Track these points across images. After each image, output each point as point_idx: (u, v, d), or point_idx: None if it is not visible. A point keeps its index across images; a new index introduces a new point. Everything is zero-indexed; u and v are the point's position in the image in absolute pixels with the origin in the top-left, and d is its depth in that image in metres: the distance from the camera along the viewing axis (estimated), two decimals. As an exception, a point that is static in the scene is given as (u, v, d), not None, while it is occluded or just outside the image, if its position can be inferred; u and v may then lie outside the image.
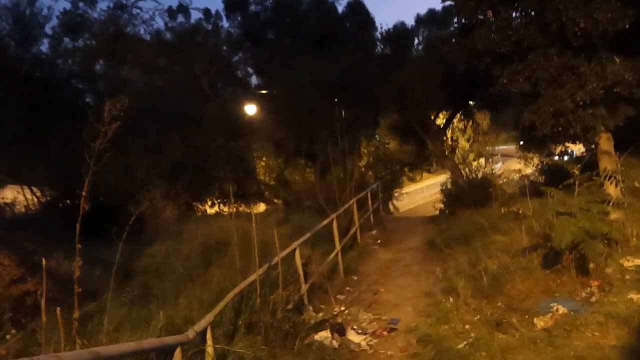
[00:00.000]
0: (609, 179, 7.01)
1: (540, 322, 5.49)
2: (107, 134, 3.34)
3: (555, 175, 14.86)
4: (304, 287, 6.01)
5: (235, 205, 16.89)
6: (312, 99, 16.80)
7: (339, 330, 5.68)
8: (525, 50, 7.11)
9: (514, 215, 10.22)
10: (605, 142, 7.56)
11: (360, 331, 5.86)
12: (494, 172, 14.72)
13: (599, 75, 6.67)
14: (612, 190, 7.25)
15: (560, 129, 7.11)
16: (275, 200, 17.27)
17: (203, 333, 3.38)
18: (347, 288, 7.93)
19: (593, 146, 17.29)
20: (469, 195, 13.62)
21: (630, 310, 5.11)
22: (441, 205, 15.11)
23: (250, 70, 22.56)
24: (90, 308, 4.35)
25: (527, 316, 5.81)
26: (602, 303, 5.54)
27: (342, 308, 6.51)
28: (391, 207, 19.28)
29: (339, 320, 6.06)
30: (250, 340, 3.96)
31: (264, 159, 20.30)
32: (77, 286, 3.97)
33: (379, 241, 11.41)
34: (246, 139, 17.92)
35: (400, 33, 18.01)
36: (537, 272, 6.82)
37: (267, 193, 17.30)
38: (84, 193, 4.05)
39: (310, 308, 6.01)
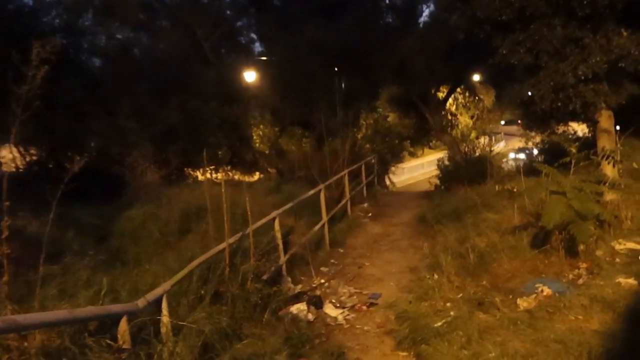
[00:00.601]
0: (606, 159, 6.73)
1: (523, 303, 5.31)
2: (35, 79, 3.02)
3: (554, 154, 14.58)
4: (283, 258, 5.82)
5: (229, 172, 16.71)
6: (312, 66, 16.44)
7: (316, 303, 5.52)
8: (527, 19, 6.73)
9: (508, 193, 10.00)
10: (606, 120, 7.24)
11: (338, 305, 5.70)
12: (493, 150, 14.37)
13: (604, 48, 6.32)
14: (609, 170, 6.99)
15: (559, 104, 6.80)
16: (270, 170, 17.02)
17: (158, 302, 3.19)
18: (332, 260, 7.76)
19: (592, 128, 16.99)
20: (465, 172, 13.39)
21: (616, 295, 4.92)
22: (437, 181, 14.88)
23: (254, 36, 22.00)
24: (52, 271, 4.15)
25: (511, 296, 5.63)
26: (589, 286, 5.35)
27: (322, 281, 6.34)
28: (387, 181, 19.05)
29: (318, 293, 5.90)
30: (214, 311, 3.77)
31: (261, 127, 20.00)
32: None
33: (369, 214, 11.21)
34: (243, 105, 17.60)
35: (406, 2, 17.41)
36: (525, 251, 6.62)
37: (262, 162, 17.02)
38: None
39: (289, 279, 5.84)
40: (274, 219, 5.65)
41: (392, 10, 17.01)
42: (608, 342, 3.97)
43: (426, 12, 17.09)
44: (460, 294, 5.81)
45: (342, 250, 8.44)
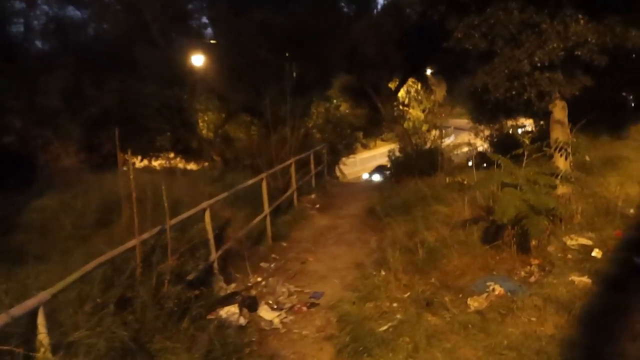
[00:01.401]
0: (559, 151, 6.48)
1: (474, 303, 4.94)
2: None
3: (504, 147, 14.57)
4: (214, 255, 5.18)
5: (172, 160, 15.76)
6: (262, 52, 15.79)
7: (250, 304, 4.93)
8: (483, 1, 6.35)
9: (458, 186, 9.73)
10: (559, 111, 7.02)
11: (275, 306, 5.14)
12: (443, 142, 14.18)
13: (561, 35, 6.03)
14: (561, 163, 6.76)
15: (514, 92, 6.48)
16: (215, 158, 16.19)
17: (32, 316, 2.52)
18: (273, 255, 7.18)
19: (542, 122, 17.22)
20: (416, 164, 13.12)
21: (570, 295, 4.62)
22: (387, 173, 14.57)
23: (206, 21, 20.97)
24: None
25: (461, 295, 5.27)
26: (542, 284, 5.05)
27: (260, 279, 5.75)
28: (338, 171, 18.63)
29: (253, 293, 5.31)
30: (116, 321, 3.12)
31: (208, 113, 19.06)
32: None
33: (317, 206, 10.70)
34: (189, 90, 16.67)
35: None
36: (476, 247, 6.29)
37: (207, 149, 16.16)
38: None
39: (221, 278, 5.21)
40: (203, 210, 5.00)
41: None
42: (565, 350, 3.63)
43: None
44: (408, 293, 5.39)
45: (285, 244, 7.88)
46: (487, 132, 18.64)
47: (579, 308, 4.29)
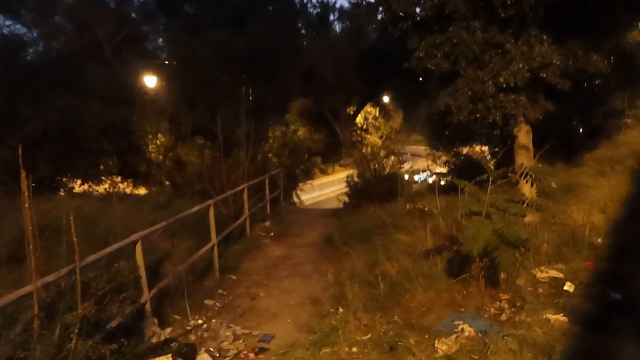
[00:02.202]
0: (524, 177, 6.16)
1: (442, 346, 4.41)
2: None
3: (465, 173, 14.45)
4: (147, 294, 4.44)
5: (118, 184, 14.75)
6: (217, 73, 15.28)
7: (187, 353, 4.22)
8: (447, 19, 6.06)
9: (419, 213, 9.37)
10: (524, 136, 6.76)
11: (218, 354, 4.44)
12: (402, 168, 13.90)
13: (526, 55, 5.78)
14: (527, 189, 6.45)
15: (478, 115, 6.16)
16: (164, 182, 15.30)
17: None
18: (220, 291, 6.47)
19: (496, 149, 17.31)
20: (375, 189, 12.76)
21: (547, 336, 4.17)
22: (346, 199, 14.10)
23: (162, 42, 20.30)
24: None
25: (427, 336, 4.73)
26: (515, 323, 4.59)
27: (201, 321, 5.02)
28: (295, 197, 18.05)
29: (192, 338, 4.59)
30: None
31: (159, 136, 18.18)
32: None
33: (271, 234, 10.04)
34: (138, 111, 15.83)
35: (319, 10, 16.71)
36: (441, 280, 5.82)
37: (157, 173, 15.25)
38: None
39: (155, 322, 4.47)
40: (134, 243, 4.28)
41: (303, 17, 16.18)
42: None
43: (338, 24, 16.31)
44: (369, 335, 4.81)
45: (234, 277, 7.18)
46: (444, 158, 18.69)
47: (559, 353, 3.83)
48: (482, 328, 4.63)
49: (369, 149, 24.09)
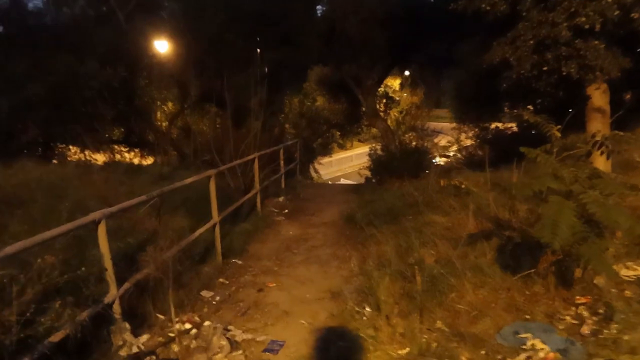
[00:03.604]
0: (598, 148, 4.88)
1: (509, 371, 3.28)
2: None
3: (502, 147, 13.11)
4: (114, 291, 3.34)
5: (123, 153, 13.76)
6: (226, 32, 14.05)
7: (166, 373, 3.14)
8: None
9: (454, 190, 8.13)
10: (600, 96, 5.44)
11: (209, 371, 3.35)
12: (431, 141, 12.60)
13: (613, -10, 4.45)
14: (601, 163, 5.17)
15: (545, 68, 4.86)
16: (171, 152, 14.27)
17: None
18: (221, 280, 5.40)
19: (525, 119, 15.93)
20: (401, 164, 11.51)
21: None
22: (368, 173, 12.89)
23: (177, 9, 19.17)
24: None
25: (484, 352, 3.60)
26: (603, 341, 3.42)
27: (188, 325, 3.93)
28: (312, 171, 16.92)
29: (175, 349, 3.51)
30: None
31: (168, 103, 17.13)
32: None
33: (285, 211, 8.95)
34: (145, 76, 14.77)
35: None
36: (494, 274, 4.63)
37: (163, 142, 14.21)
38: None
39: (127, 328, 3.40)
40: (94, 223, 3.15)
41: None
42: None
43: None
44: (407, 349, 3.70)
45: (240, 262, 6.10)
46: (471, 134, 17.34)
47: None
48: (560, 345, 3.47)
49: (391, 119, 22.79)
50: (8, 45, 12.00)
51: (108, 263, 3.27)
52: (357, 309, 4.60)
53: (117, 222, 4.70)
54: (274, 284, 5.38)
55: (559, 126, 5.02)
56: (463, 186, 8.00)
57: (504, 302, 4.18)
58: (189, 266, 5.20)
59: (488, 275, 4.57)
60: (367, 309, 4.52)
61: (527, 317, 3.98)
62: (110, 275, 3.30)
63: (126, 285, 3.54)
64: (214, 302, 4.82)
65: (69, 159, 10.28)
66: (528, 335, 3.64)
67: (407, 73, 24.00)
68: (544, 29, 4.73)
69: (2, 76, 10.24)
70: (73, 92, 9.85)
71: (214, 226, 5.76)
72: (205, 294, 4.96)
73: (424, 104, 28.08)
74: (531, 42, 4.90)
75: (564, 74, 4.92)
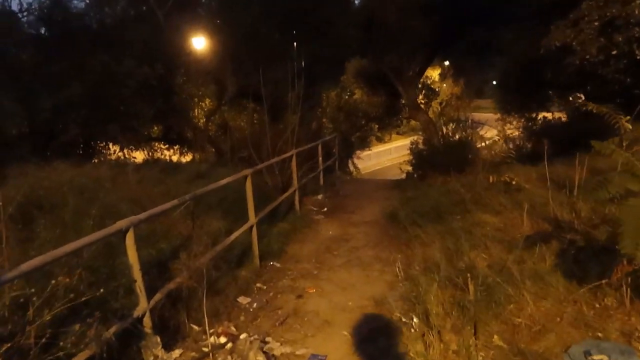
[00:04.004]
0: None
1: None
2: None
3: (553, 138, 12.35)
4: (145, 304, 3.13)
5: (161, 150, 13.81)
6: (265, 30, 13.91)
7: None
8: None
9: (504, 187, 7.61)
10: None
11: (244, 392, 3.09)
12: (477, 133, 11.96)
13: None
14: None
15: (614, 52, 4.33)
16: (209, 149, 14.24)
17: None
18: (258, 285, 5.15)
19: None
20: (444, 158, 10.99)
21: None
22: (409, 168, 12.41)
23: (214, 5, 19.27)
24: None
25: (550, 375, 3.20)
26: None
27: (223, 339, 3.69)
28: (351, 166, 16.55)
29: (209, 365, 3.27)
30: None
31: (206, 100, 17.13)
32: None
33: (324, 209, 8.65)
34: (183, 72, 14.81)
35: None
36: (557, 283, 4.18)
37: (201, 139, 14.19)
38: None
39: (158, 342, 3.19)
40: (122, 232, 2.93)
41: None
42: None
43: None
44: (463, 369, 3.33)
45: (278, 265, 5.85)
46: (516, 124, 16.60)
47: None
48: (643, 372, 3.03)
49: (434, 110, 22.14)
50: (50, 46, 12.20)
51: (137, 274, 3.05)
52: (403, 319, 4.26)
53: (150, 226, 4.53)
54: (314, 290, 5.09)
55: (628, 117, 4.50)
56: (514, 182, 7.47)
57: (570, 316, 3.73)
58: (225, 271, 4.99)
59: (550, 285, 4.13)
60: (415, 320, 4.17)
61: (599, 334, 3.53)
62: (140, 287, 3.08)
63: (157, 296, 3.32)
64: (251, 310, 4.57)
65: (108, 157, 10.33)
66: (602, 357, 3.20)
67: (447, 63, 23.29)
68: (612, 7, 4.21)
69: (43, 77, 10.39)
70: (110, 91, 9.86)
71: (250, 228, 5.52)
72: (242, 300, 4.73)
73: (465, 95, 27.27)
74: (597, 23, 4.38)
75: (639, 58, 4.37)
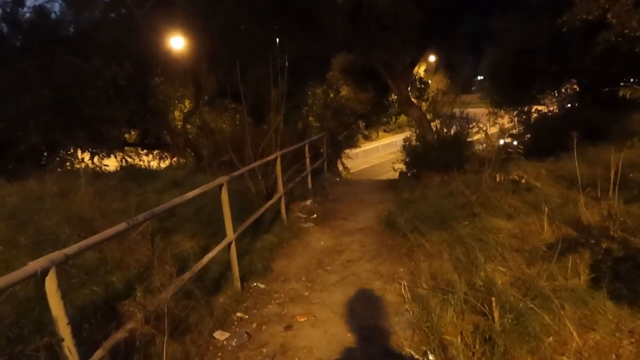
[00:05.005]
0: None
1: None
2: None
3: (551, 131, 11.72)
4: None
5: (134, 155, 12.88)
6: (244, 22, 13.14)
7: None
8: None
9: (512, 186, 6.90)
10: None
11: None
12: (476, 128, 11.25)
13: None
14: None
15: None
16: (191, 153, 13.36)
17: None
18: (239, 314, 4.33)
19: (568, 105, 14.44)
20: (440, 155, 10.28)
21: None
22: (402, 167, 11.67)
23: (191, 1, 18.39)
24: None
25: None
26: None
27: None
28: (340, 166, 15.77)
29: None
30: None
31: (186, 102, 16.25)
32: None
33: (314, 216, 7.85)
34: (161, 73, 13.94)
35: None
36: (603, 308, 3.44)
37: (179, 142, 13.30)
38: None
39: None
40: (37, 275, 2.10)
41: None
42: None
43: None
44: None
45: (263, 286, 5.03)
46: (507, 118, 16.14)
47: None
48: None
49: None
50: (13, 49, 11.28)
51: (65, 331, 2.22)
52: (415, 355, 3.49)
53: (97, 255, 3.68)
54: (305, 318, 4.28)
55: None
56: (523, 181, 6.75)
57: (630, 353, 2.98)
58: (199, 299, 4.16)
59: (596, 310, 3.38)
60: (431, 357, 3.40)
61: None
62: (69, 348, 2.25)
63: (98, 353, 2.49)
64: (229, 348, 3.76)
65: (76, 166, 9.41)
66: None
67: (432, 59, 22.80)
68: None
69: (3, 82, 9.46)
70: (76, 93, 8.95)
71: (229, 245, 4.70)
72: (219, 336, 3.91)
73: (451, 90, 26.76)
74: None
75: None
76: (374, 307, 4.45)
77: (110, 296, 3.13)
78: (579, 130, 9.99)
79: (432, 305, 4.03)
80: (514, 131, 13.93)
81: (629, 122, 9.86)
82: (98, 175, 7.26)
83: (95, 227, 3.69)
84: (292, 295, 4.81)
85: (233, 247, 4.74)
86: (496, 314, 3.52)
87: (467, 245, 5.14)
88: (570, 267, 4.04)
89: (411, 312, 4.17)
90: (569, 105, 16.07)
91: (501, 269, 4.49)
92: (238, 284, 4.81)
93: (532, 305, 3.44)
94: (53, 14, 12.74)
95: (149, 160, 14.59)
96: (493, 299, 3.53)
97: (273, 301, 4.67)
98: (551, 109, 15.86)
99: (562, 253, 4.41)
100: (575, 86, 16.09)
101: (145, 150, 15.16)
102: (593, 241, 4.48)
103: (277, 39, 14.06)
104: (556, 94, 16.78)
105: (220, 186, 4.58)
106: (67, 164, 9.33)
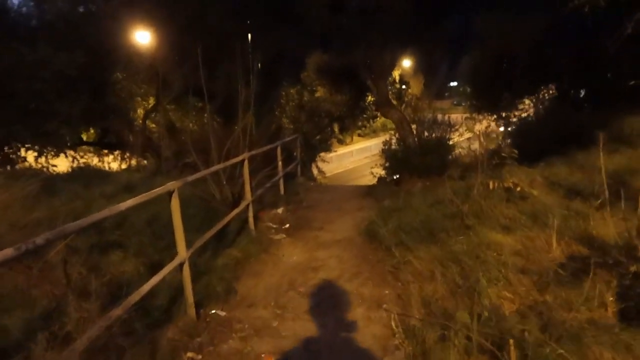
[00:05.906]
0: None
1: None
2: None
3: (535, 137, 11.23)
4: None
5: (73, 157, 11.67)
6: (213, 14, 12.34)
7: None
8: None
9: (505, 194, 6.24)
10: None
11: None
12: (457, 130, 10.63)
13: None
14: None
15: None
16: (149, 155, 12.38)
17: None
18: (190, 355, 3.48)
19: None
20: (422, 160, 9.63)
21: None
22: (381, 172, 10.96)
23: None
24: None
25: None
26: None
27: None
28: (315, 171, 15.00)
29: None
30: None
31: (151, 99, 15.21)
32: None
33: (286, 226, 7.04)
34: (124, 68, 12.93)
35: None
36: (634, 342, 2.75)
37: (140, 141, 12.30)
38: None
39: None
40: None
41: None
42: None
43: None
44: None
45: (223, 314, 4.20)
46: (486, 123, 15.74)
47: None
48: None
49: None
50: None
51: None
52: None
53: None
54: (273, 358, 3.47)
55: None
56: (518, 189, 6.10)
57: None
58: (140, 335, 3.30)
59: (634, 353, 2.68)
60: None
61: None
62: None
63: None
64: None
65: (18, 166, 8.36)
66: None
67: (407, 64, 22.48)
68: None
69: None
70: (20, 84, 7.92)
71: (180, 266, 3.85)
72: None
73: (425, 95, 26.52)
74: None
75: None
76: (357, 343, 3.67)
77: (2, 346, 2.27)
78: (566, 134, 9.53)
79: (428, 343, 3.29)
80: (494, 135, 13.45)
81: (616, 126, 9.45)
82: (36, 175, 6.28)
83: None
84: (258, 326, 3.99)
85: (186, 268, 3.89)
86: (513, 356, 2.79)
87: (463, 263, 4.43)
88: (595, 295, 3.35)
89: (403, 350, 3.42)
90: (550, 109, 15.79)
91: (507, 294, 3.79)
92: (192, 311, 3.96)
93: (561, 352, 2.72)
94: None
95: (109, 162, 13.54)
96: (511, 341, 2.80)
97: (234, 334, 3.84)
98: (530, 113, 15.53)
99: (577, 275, 3.75)
100: (552, 90, 15.83)
101: (106, 151, 14.11)
102: (612, 261, 3.81)
103: (250, 35, 13.29)
104: (535, 98, 16.48)
105: (170, 193, 3.73)
106: (8, 165, 8.26)
